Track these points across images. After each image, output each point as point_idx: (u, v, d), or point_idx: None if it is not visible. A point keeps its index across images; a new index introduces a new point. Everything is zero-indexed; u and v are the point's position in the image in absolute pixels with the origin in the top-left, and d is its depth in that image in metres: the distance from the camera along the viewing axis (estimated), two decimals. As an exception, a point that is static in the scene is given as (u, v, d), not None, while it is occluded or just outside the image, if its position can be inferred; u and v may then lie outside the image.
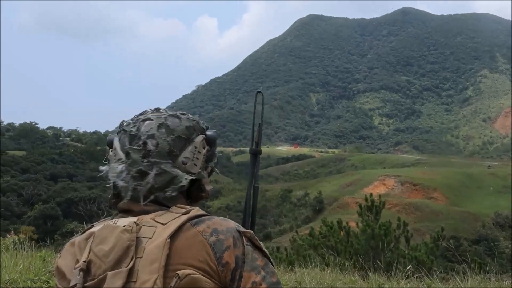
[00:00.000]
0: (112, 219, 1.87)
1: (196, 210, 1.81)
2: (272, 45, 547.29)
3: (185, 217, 1.76)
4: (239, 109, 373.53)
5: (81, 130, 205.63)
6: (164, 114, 1.97)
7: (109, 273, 1.64)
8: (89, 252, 1.71)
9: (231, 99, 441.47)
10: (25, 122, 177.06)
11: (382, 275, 7.52)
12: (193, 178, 1.92)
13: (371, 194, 16.49)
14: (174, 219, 1.75)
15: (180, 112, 2.04)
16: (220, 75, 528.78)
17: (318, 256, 12.88)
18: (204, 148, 1.99)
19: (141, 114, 2.01)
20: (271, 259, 1.83)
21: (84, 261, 1.69)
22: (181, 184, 1.88)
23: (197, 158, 1.95)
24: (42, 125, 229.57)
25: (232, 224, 1.81)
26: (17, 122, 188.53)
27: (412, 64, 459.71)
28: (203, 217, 1.79)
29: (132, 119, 1.99)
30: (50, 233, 43.93)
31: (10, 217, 67.24)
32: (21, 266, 6.27)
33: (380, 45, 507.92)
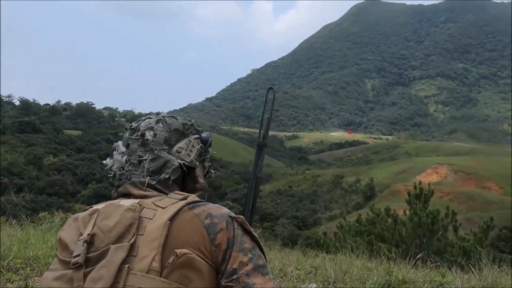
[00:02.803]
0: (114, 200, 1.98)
1: (193, 197, 1.92)
2: (328, 30, 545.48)
3: (183, 202, 1.87)
4: (293, 94, 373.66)
5: (136, 111, 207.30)
6: (163, 115, 2.17)
7: (112, 246, 1.74)
8: (93, 226, 1.82)
9: (286, 84, 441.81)
10: (82, 102, 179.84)
11: (400, 263, 7.50)
12: (185, 163, 2.08)
13: (420, 182, 16.38)
14: (173, 203, 1.86)
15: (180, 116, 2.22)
16: (275, 59, 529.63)
17: (364, 243, 12.87)
18: (198, 144, 2.17)
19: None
20: (261, 244, 1.93)
21: (89, 234, 1.79)
22: (173, 167, 2.04)
23: (191, 150, 2.12)
24: (99, 106, 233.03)
25: (225, 210, 1.91)
26: (74, 102, 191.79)
27: (470, 51, 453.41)
28: (199, 202, 1.89)
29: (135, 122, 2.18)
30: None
31: (64, 195, 68.46)
32: (48, 244, 6.42)
33: (438, 31, 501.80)
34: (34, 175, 73.35)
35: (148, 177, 2.02)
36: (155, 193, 1.99)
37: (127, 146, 2.10)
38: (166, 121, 2.12)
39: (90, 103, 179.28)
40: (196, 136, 2.19)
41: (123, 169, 2.07)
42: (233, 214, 1.92)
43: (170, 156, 2.06)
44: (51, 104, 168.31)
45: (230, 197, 76.02)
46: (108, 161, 2.14)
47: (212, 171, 2.32)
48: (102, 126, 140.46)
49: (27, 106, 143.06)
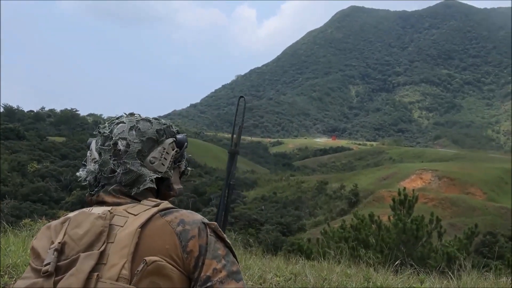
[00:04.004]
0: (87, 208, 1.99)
1: (165, 203, 1.94)
2: (312, 36, 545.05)
3: (155, 209, 1.88)
4: (277, 100, 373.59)
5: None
6: (136, 118, 2.13)
7: (82, 254, 1.75)
8: (64, 234, 1.84)
9: (270, 90, 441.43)
10: (66, 109, 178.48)
11: (380, 269, 7.50)
12: (158, 176, 2.07)
13: (404, 188, 16.40)
14: (145, 210, 1.87)
15: (153, 117, 2.21)
16: (259, 65, 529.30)
17: (348, 249, 12.83)
18: (173, 150, 2.15)
19: (116, 118, 2.17)
20: (233, 250, 1.95)
21: (59, 243, 1.81)
22: (145, 181, 2.02)
23: (165, 159, 2.10)
24: (83, 112, 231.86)
25: (198, 217, 1.93)
26: (58, 108, 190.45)
27: (454, 57, 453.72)
28: (172, 209, 1.91)
29: (108, 123, 2.16)
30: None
31: (48, 202, 68.04)
32: (27, 251, 6.36)
33: (422, 38, 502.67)
34: (18, 182, 72.78)
35: (119, 185, 2.01)
36: (129, 200, 1.99)
37: (99, 154, 2.07)
38: (139, 129, 2.08)
39: (74, 110, 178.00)
40: (171, 140, 2.16)
41: (96, 179, 2.06)
42: (206, 221, 1.93)
43: (143, 169, 2.04)
44: (35, 111, 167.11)
45: (214, 203, 75.69)
46: (81, 173, 2.11)
47: (189, 169, 2.30)
48: (86, 133, 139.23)
49: (11, 112, 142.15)
